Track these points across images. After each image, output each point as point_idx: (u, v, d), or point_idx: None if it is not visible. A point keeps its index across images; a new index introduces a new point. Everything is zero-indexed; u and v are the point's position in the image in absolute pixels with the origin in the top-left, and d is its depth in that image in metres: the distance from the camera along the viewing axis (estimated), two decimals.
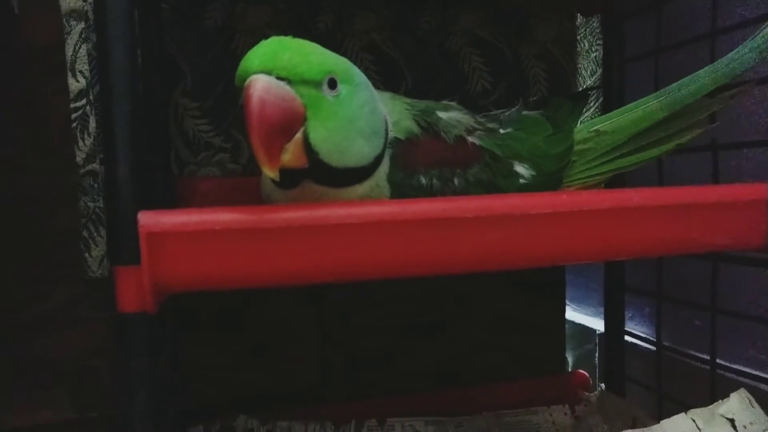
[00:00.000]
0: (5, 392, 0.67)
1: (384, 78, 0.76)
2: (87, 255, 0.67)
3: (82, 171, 0.66)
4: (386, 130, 0.43)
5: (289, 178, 0.39)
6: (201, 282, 0.36)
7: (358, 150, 0.40)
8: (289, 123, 0.37)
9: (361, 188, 0.41)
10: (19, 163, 0.66)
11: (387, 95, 0.48)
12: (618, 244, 0.42)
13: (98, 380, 0.70)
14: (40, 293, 0.68)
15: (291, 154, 0.37)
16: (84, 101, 0.66)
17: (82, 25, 0.65)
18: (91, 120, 0.66)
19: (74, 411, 0.69)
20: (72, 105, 0.65)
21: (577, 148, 0.51)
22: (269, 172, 0.36)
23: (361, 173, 0.41)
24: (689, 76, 0.51)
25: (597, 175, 0.51)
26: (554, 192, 0.49)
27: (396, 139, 0.44)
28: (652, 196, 0.42)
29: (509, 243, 0.38)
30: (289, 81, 0.37)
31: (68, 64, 0.65)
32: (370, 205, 0.38)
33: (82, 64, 0.65)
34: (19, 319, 0.67)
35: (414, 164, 0.44)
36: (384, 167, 0.43)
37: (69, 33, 0.65)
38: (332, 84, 0.38)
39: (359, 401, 0.75)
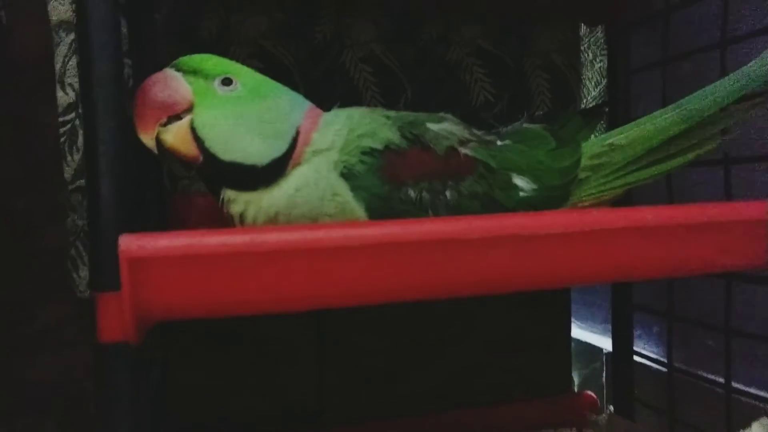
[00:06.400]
0: None
1: (383, 90, 0.74)
2: (75, 275, 0.64)
3: (70, 187, 0.64)
4: (295, 138, 0.43)
5: (210, 186, 0.44)
6: (188, 310, 0.34)
7: (247, 145, 0.42)
8: (168, 98, 0.41)
9: (281, 192, 0.42)
10: (6, 179, 0.63)
11: (360, 110, 0.47)
12: (630, 266, 0.40)
13: (87, 404, 0.67)
14: (28, 314, 0.65)
15: (174, 136, 0.41)
16: (73, 115, 0.63)
17: (72, 36, 0.63)
18: (80, 134, 0.64)
19: None
20: (60, 119, 0.63)
21: (590, 162, 0.49)
22: (142, 137, 0.41)
23: (261, 174, 0.42)
24: (708, 87, 0.49)
25: (611, 189, 0.49)
26: (564, 210, 0.47)
27: (372, 149, 0.43)
28: (667, 215, 0.40)
29: (517, 265, 0.36)
30: (182, 71, 0.42)
31: (57, 77, 0.63)
32: (369, 227, 0.35)
33: (72, 77, 0.63)
34: (5, 341, 0.64)
35: (401, 176, 0.43)
36: (328, 174, 0.43)
37: (58, 45, 0.63)
38: (227, 82, 0.42)
39: (358, 424, 0.72)
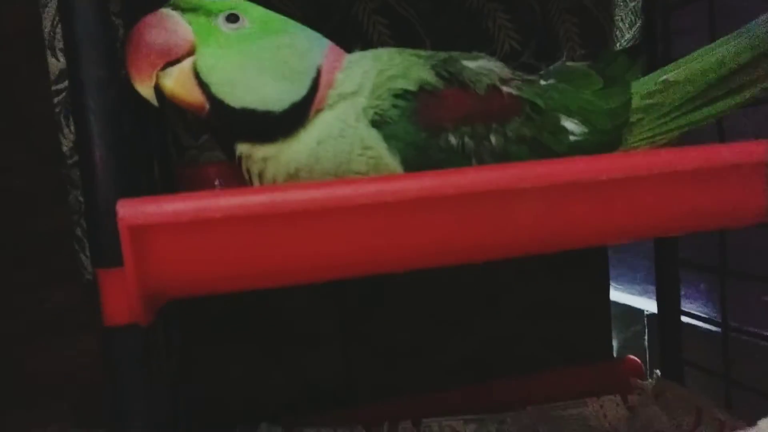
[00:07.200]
0: (3, 408, 0.61)
1: (400, 42, 0.68)
2: (82, 255, 0.60)
3: (70, 161, 0.59)
4: (316, 80, 0.38)
5: (221, 141, 0.40)
6: (202, 284, 0.29)
7: (260, 88, 0.37)
8: (165, 41, 0.36)
9: (302, 145, 0.38)
10: (2, 158, 0.59)
11: (387, 50, 0.43)
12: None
13: (102, 388, 0.63)
14: (37, 298, 0.61)
15: (176, 81, 0.37)
16: (66, 82, 0.59)
17: None
18: None
19: (79, 426, 0.63)
20: (53, 87, 0.58)
21: (642, 103, 0.44)
22: (138, 87, 0.36)
23: (279, 122, 0.37)
24: None
25: (667, 132, 0.44)
26: (625, 153, 0.42)
27: (405, 91, 0.38)
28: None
29: (583, 216, 0.31)
30: (180, 9, 0.37)
31: (46, 42, 0.58)
32: (408, 180, 0.30)
33: (62, 41, 0.58)
34: (13, 329, 0.61)
35: (439, 120, 0.38)
36: (355, 119, 0.38)
37: (46, 5, 0.57)
38: (233, 18, 0.38)
39: (391, 401, 0.68)
